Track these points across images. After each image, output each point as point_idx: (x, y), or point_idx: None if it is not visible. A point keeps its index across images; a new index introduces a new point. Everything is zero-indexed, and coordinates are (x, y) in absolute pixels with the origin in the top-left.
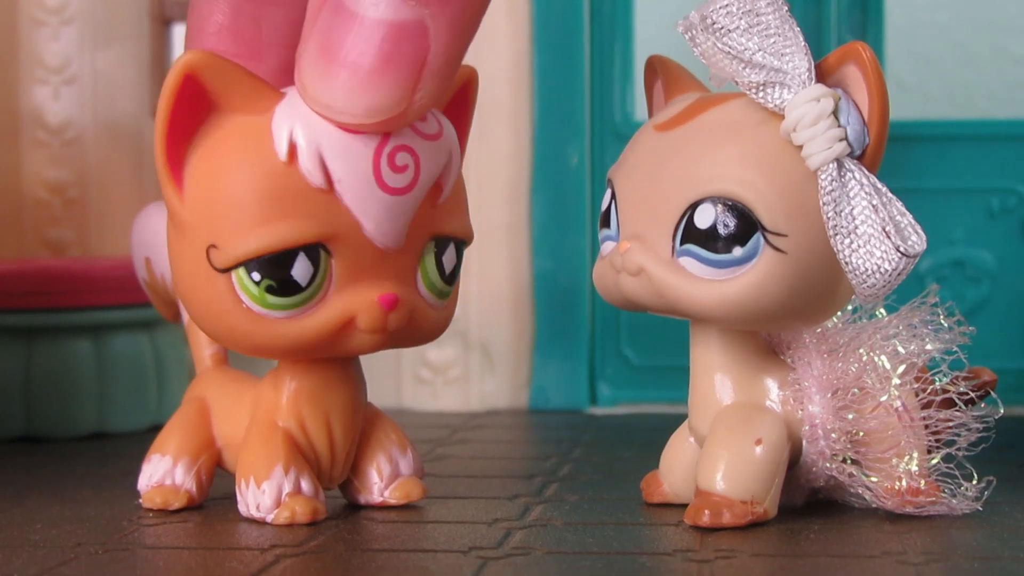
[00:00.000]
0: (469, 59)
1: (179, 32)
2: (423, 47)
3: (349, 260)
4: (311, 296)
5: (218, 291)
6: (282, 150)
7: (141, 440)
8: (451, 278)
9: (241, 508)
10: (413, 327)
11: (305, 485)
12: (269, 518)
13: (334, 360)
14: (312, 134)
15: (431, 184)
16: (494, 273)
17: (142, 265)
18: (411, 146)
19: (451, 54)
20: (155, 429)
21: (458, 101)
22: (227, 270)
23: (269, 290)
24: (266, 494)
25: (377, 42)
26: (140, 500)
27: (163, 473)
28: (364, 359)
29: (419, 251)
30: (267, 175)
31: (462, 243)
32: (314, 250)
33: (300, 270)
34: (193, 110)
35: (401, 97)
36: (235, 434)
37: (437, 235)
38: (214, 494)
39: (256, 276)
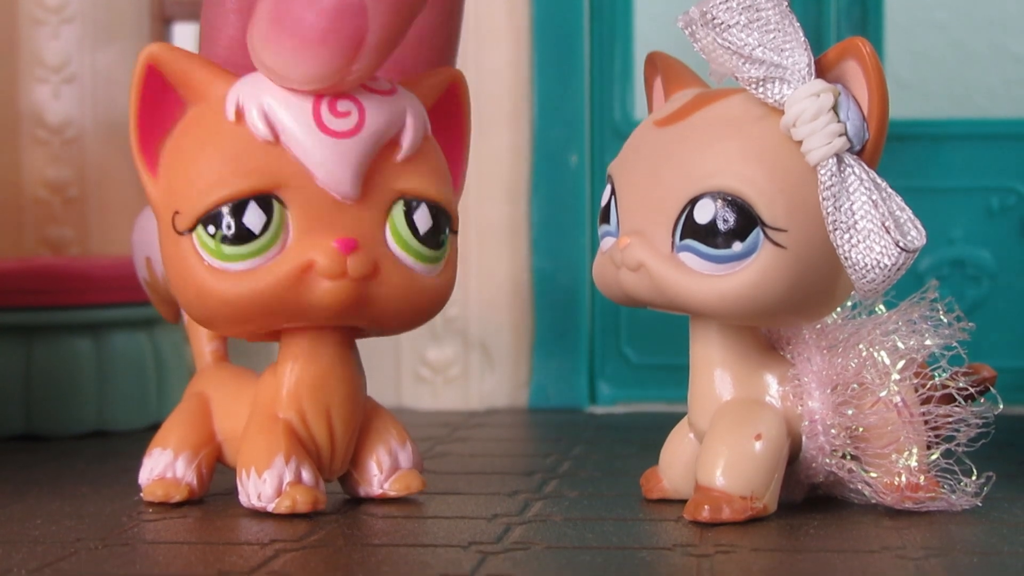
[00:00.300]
0: (470, 59)
1: (179, 31)
2: (362, 25)
3: (304, 210)
4: (267, 245)
5: (185, 257)
6: (230, 112)
7: (141, 438)
8: (430, 240)
9: (242, 498)
10: (392, 287)
11: (306, 475)
12: (270, 507)
13: (334, 352)
14: (255, 92)
15: (384, 137)
16: (494, 272)
17: (143, 264)
18: (353, 95)
19: (389, 33)
20: (155, 427)
21: (447, 103)
22: (189, 231)
23: (224, 240)
24: (267, 483)
25: (320, 16)
26: (141, 494)
27: (164, 466)
28: (364, 357)
29: (384, 208)
30: (218, 137)
31: (439, 209)
32: (265, 200)
33: (251, 218)
34: (161, 101)
35: (337, 68)
36: (235, 428)
37: (404, 193)
38: (214, 489)
39: (211, 229)
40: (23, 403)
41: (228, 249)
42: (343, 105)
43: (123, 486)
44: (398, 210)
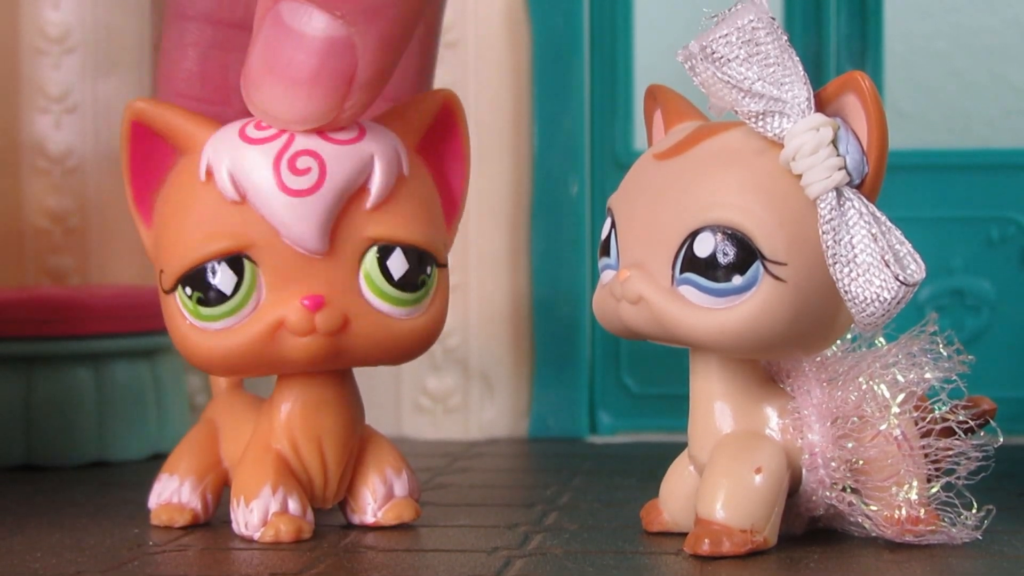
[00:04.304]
0: (470, 88)
1: None
2: (351, 62)
3: (275, 268)
4: (240, 305)
5: (172, 312)
6: (201, 172)
7: (141, 468)
8: (406, 285)
9: (234, 526)
10: (363, 335)
11: (292, 504)
12: (256, 536)
13: (327, 383)
14: (222, 152)
15: (349, 189)
16: (494, 301)
17: None
18: (314, 150)
19: (378, 68)
20: (155, 457)
21: (442, 125)
22: (171, 290)
23: (200, 302)
24: (254, 513)
25: (309, 56)
26: (151, 518)
27: (170, 492)
28: (364, 387)
29: (356, 257)
30: (191, 197)
31: (417, 250)
32: (236, 260)
33: (222, 280)
34: (152, 153)
35: (332, 106)
36: (239, 454)
37: (376, 240)
38: (220, 520)
39: (188, 291)
40: (23, 433)
41: (204, 310)
42: (303, 162)
43: (123, 517)
44: (371, 257)
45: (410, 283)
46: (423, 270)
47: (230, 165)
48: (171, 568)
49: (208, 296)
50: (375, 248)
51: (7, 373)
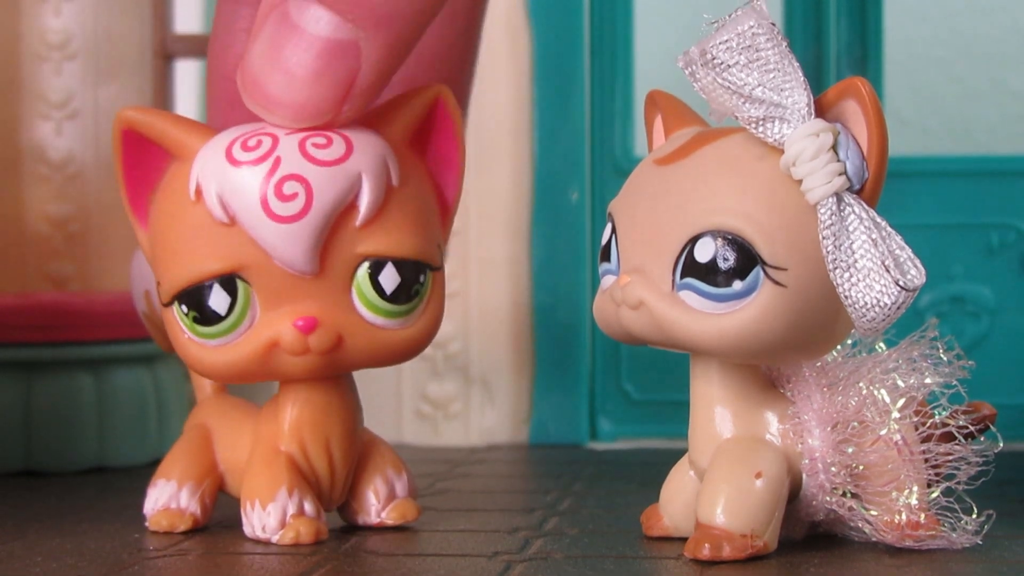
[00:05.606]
0: (471, 95)
1: (181, 68)
2: (354, 66)
3: (268, 287)
4: (235, 324)
5: (172, 322)
6: (191, 190)
7: (141, 474)
8: (398, 297)
9: (247, 529)
10: (358, 349)
11: (308, 507)
12: (274, 539)
13: (332, 387)
14: (210, 173)
15: (337, 209)
16: (495, 308)
17: (141, 298)
18: (301, 174)
19: (380, 74)
20: (155, 463)
21: (435, 119)
22: (168, 304)
23: (195, 320)
24: (271, 515)
25: (313, 56)
26: (146, 524)
27: (168, 497)
28: (364, 394)
29: (347, 273)
30: (184, 214)
31: (409, 262)
32: (229, 281)
33: (217, 301)
34: (145, 159)
35: (328, 108)
36: (237, 459)
37: (366, 256)
38: (216, 520)
39: (184, 308)
40: (23, 439)
41: (201, 328)
42: (289, 187)
43: (123, 522)
44: (362, 272)
45: (403, 295)
46: (416, 280)
47: (218, 188)
48: (171, 573)
49: (203, 316)
50: (367, 263)
51: (7, 379)
